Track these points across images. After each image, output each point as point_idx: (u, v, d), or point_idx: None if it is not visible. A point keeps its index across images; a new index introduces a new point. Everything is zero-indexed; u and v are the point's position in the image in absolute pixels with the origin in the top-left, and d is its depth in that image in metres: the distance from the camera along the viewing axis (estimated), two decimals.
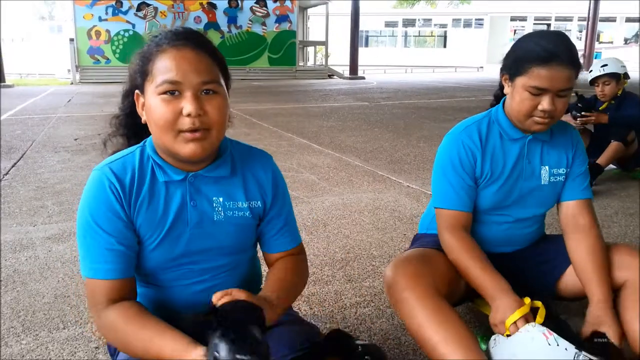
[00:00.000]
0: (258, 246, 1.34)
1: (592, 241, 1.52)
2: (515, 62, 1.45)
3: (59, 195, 3.68)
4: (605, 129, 3.95)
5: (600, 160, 3.80)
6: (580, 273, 1.51)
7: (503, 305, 1.33)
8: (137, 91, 1.12)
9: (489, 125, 1.57)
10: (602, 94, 3.90)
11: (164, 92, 1.03)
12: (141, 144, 1.18)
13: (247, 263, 1.29)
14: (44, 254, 2.63)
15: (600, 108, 3.98)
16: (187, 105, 1.03)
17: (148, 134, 1.16)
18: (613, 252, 1.54)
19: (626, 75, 3.88)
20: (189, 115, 1.03)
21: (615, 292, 1.46)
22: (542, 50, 1.37)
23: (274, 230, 1.27)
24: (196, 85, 1.04)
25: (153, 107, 1.05)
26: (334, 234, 2.94)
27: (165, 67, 1.04)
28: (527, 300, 1.35)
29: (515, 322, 1.29)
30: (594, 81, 3.93)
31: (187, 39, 1.07)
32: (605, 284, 1.45)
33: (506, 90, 1.52)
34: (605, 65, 3.89)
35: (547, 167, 1.58)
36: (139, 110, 1.13)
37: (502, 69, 1.53)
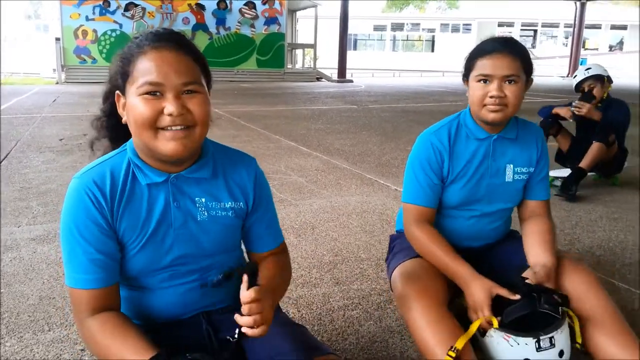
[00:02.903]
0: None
1: (545, 222, 1.66)
2: (466, 64, 1.62)
3: (44, 196, 3.64)
4: (586, 133, 3.96)
5: (583, 164, 3.80)
6: (529, 245, 1.62)
7: (477, 288, 1.45)
8: (117, 92, 1.12)
9: (458, 127, 1.69)
10: None
11: (145, 93, 1.04)
12: (121, 147, 1.18)
13: (234, 262, 1.29)
14: (28, 255, 2.60)
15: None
16: (169, 105, 1.04)
17: (131, 135, 1.16)
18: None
19: (609, 79, 3.93)
20: (170, 114, 1.04)
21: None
22: (484, 45, 1.56)
23: (258, 231, 1.29)
24: (177, 87, 1.05)
25: (133, 106, 1.05)
26: (321, 236, 2.94)
27: (146, 69, 1.04)
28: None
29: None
30: (579, 85, 3.96)
31: (167, 40, 1.07)
32: (553, 255, 1.54)
33: (467, 93, 1.65)
34: (589, 68, 3.95)
35: (511, 166, 1.68)
36: (119, 110, 1.13)
37: (462, 78, 1.68)
